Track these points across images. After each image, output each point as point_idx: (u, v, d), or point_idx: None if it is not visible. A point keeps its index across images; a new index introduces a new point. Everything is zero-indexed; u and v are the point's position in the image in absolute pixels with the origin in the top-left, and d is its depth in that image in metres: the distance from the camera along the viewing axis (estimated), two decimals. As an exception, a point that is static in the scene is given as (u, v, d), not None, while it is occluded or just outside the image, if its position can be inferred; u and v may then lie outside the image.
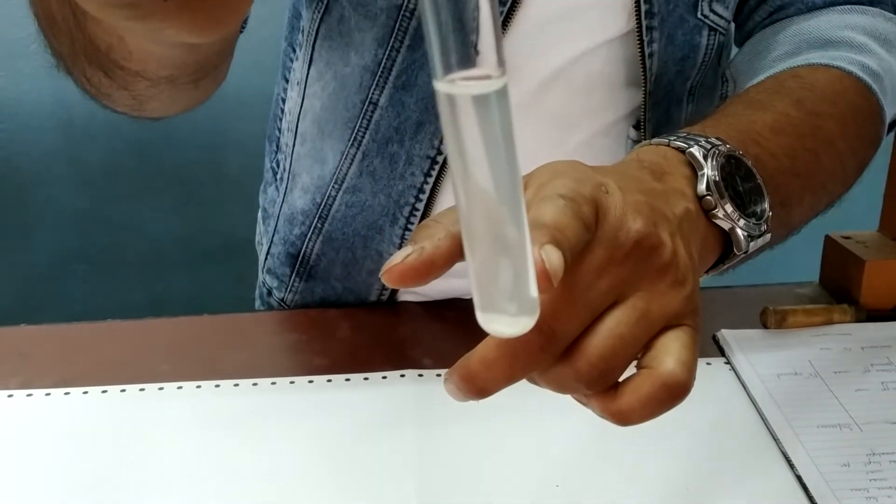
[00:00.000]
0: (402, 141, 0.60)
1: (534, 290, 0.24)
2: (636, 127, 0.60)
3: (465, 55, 0.21)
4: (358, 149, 0.61)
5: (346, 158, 0.62)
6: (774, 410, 0.51)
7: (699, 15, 0.58)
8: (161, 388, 0.54)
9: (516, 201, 0.23)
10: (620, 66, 0.59)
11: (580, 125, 0.60)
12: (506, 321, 0.24)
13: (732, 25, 0.64)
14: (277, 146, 0.72)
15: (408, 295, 0.67)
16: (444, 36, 0.21)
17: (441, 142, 0.59)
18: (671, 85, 0.60)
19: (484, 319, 0.25)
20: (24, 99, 1.39)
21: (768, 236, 0.40)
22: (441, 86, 0.22)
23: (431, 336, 0.61)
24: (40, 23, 0.43)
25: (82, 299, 1.54)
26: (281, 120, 0.70)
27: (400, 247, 0.63)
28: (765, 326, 0.59)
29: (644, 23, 0.56)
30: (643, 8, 0.56)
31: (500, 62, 0.22)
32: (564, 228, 0.28)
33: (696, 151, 0.38)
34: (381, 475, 0.47)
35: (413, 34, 0.56)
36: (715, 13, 0.59)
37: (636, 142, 0.61)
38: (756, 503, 0.45)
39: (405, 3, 0.56)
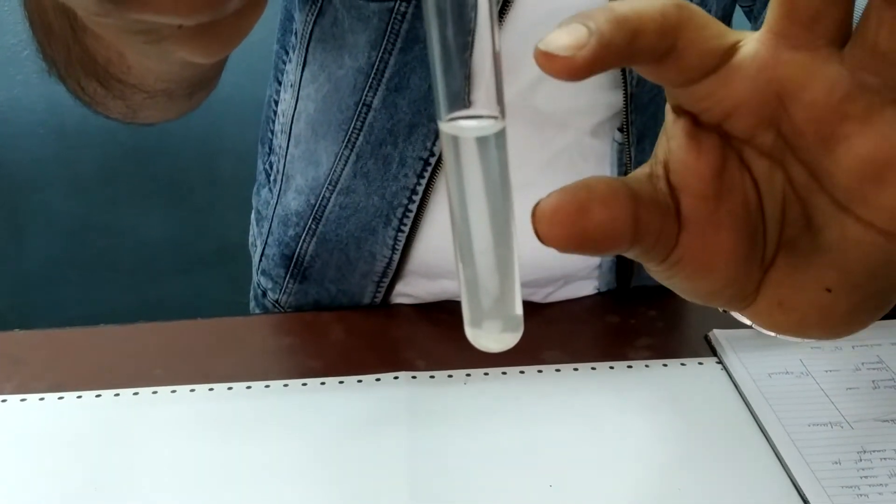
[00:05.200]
0: (395, 142, 0.60)
1: (518, 310, 0.26)
2: (621, 129, 0.61)
3: (469, 97, 0.23)
4: (352, 150, 0.62)
5: (339, 160, 0.62)
6: (766, 409, 0.51)
7: None
8: (155, 392, 0.54)
9: (507, 229, 0.25)
10: None
11: (568, 125, 0.61)
12: (492, 337, 0.26)
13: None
14: (270, 148, 0.72)
15: (400, 297, 0.68)
16: (449, 78, 0.22)
17: (433, 143, 0.59)
18: (657, 88, 0.60)
19: (472, 334, 0.26)
20: (17, 105, 1.39)
21: None
22: (445, 126, 0.23)
23: (424, 338, 0.62)
24: (34, 29, 0.43)
25: (76, 304, 1.54)
26: (274, 122, 0.70)
27: (393, 249, 0.63)
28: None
29: None
30: None
31: (501, 104, 0.23)
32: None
33: None
34: (374, 477, 0.47)
35: (405, 37, 0.57)
36: None
37: (622, 144, 0.61)
38: (748, 502, 0.46)
39: (396, 6, 0.56)
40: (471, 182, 0.24)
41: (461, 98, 0.23)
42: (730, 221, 0.24)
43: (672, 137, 0.24)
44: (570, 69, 0.21)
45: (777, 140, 0.23)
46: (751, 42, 0.22)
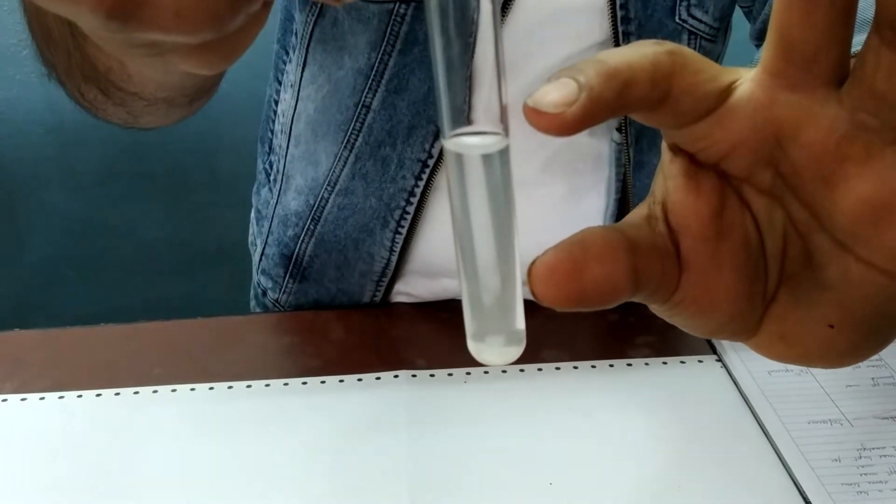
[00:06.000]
0: (394, 144, 0.60)
1: (521, 324, 0.26)
2: (619, 130, 0.61)
3: (473, 114, 0.23)
4: (351, 151, 0.62)
5: (338, 161, 0.62)
6: (766, 407, 0.51)
7: (677, 19, 0.58)
8: (155, 392, 0.54)
9: (511, 244, 0.24)
10: None
11: None
12: (495, 351, 0.26)
13: (723, 30, 0.64)
14: (270, 148, 0.72)
15: (400, 296, 0.68)
16: (453, 94, 0.22)
17: (432, 145, 0.59)
18: None
19: (474, 348, 0.26)
20: (16, 104, 1.39)
21: None
22: (449, 143, 0.23)
23: (424, 337, 0.62)
24: (34, 35, 0.43)
25: (75, 304, 1.54)
26: (273, 122, 0.70)
27: (391, 250, 0.63)
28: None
29: (620, 28, 0.57)
30: (619, 14, 0.56)
31: (505, 121, 0.23)
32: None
33: None
34: (374, 475, 0.47)
35: (404, 38, 0.57)
36: (694, 17, 0.59)
37: (619, 144, 0.61)
38: (748, 500, 0.46)
39: (396, 8, 0.56)
40: (475, 198, 0.24)
41: (465, 115, 0.23)
42: (731, 261, 0.24)
43: (669, 177, 0.24)
44: (561, 126, 0.20)
45: (776, 179, 0.23)
46: (746, 82, 0.22)
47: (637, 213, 0.25)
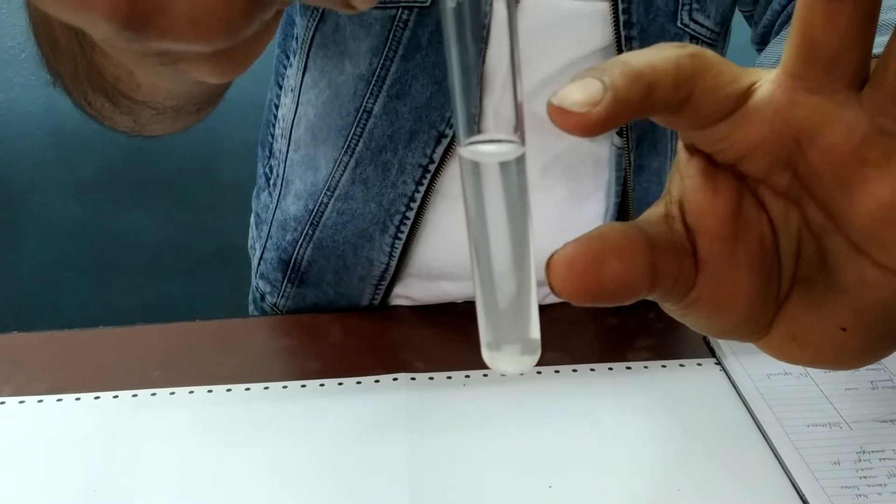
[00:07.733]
0: (395, 149, 0.60)
1: (536, 333, 0.26)
2: (620, 134, 0.61)
3: (484, 121, 0.23)
4: (351, 156, 0.62)
5: (338, 166, 0.62)
6: (765, 410, 0.51)
7: (679, 24, 0.58)
8: (154, 394, 0.54)
9: (526, 252, 0.24)
10: None
11: None
12: (510, 360, 0.26)
13: (723, 34, 0.64)
14: (270, 152, 0.72)
15: (399, 299, 0.68)
16: (470, 103, 0.22)
17: (433, 150, 0.59)
18: None
19: (489, 357, 0.26)
20: (16, 107, 1.39)
21: None
22: (465, 151, 0.23)
23: (423, 340, 0.62)
24: (40, 43, 0.42)
25: (75, 307, 1.54)
26: (274, 126, 0.70)
27: (390, 255, 0.63)
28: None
29: (623, 33, 0.57)
30: (621, 19, 0.56)
31: (521, 129, 0.23)
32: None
33: None
34: (374, 478, 0.47)
35: (406, 44, 0.57)
36: (696, 22, 0.59)
37: (620, 149, 0.61)
38: (747, 503, 0.46)
39: (398, 14, 0.56)
40: (491, 206, 0.24)
41: (480, 122, 0.23)
42: (746, 261, 0.24)
43: (686, 177, 0.24)
44: (585, 125, 0.21)
45: (793, 181, 0.23)
46: (766, 84, 0.22)
47: (654, 211, 0.25)
